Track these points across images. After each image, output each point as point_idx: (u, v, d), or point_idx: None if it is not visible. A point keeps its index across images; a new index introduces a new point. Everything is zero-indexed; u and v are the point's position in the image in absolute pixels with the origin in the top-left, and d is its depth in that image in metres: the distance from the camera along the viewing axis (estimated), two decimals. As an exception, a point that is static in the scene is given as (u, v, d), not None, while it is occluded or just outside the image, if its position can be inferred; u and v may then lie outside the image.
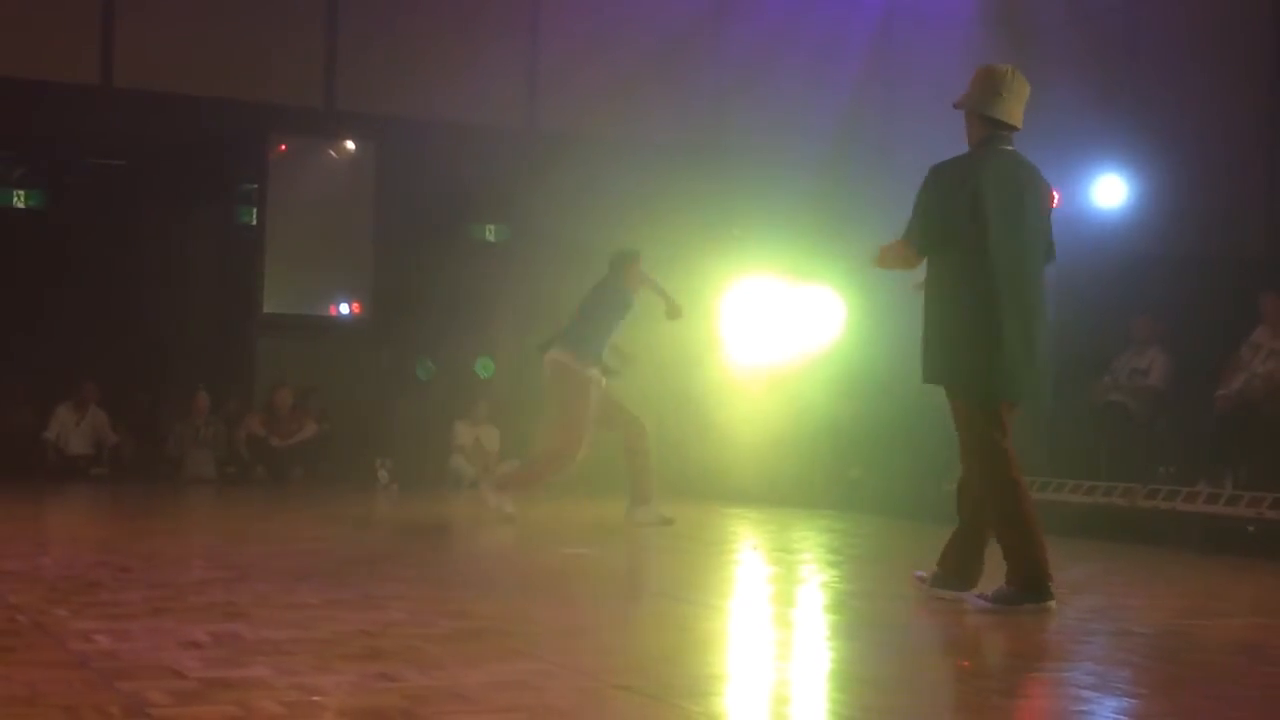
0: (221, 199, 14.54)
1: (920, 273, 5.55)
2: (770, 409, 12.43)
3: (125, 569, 5.96)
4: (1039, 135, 11.17)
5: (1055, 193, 10.75)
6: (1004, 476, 5.35)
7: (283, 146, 14.21)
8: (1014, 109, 5.44)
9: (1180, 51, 11.27)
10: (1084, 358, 10.54)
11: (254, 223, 14.27)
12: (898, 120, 13.10)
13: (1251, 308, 9.33)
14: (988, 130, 5.45)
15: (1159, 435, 9.82)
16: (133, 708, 3.20)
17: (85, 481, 12.78)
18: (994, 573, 5.61)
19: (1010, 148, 5.49)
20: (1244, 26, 10.99)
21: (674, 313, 9.42)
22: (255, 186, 14.22)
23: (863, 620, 5.30)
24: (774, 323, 12.84)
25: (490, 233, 14.87)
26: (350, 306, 14.42)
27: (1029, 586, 5.28)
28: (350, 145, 14.37)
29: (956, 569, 5.56)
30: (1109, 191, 10.63)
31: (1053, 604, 5.30)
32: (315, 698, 3.38)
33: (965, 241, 5.31)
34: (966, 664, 4.59)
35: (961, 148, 5.53)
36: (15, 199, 13.80)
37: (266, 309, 14.06)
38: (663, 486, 13.12)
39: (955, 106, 5.53)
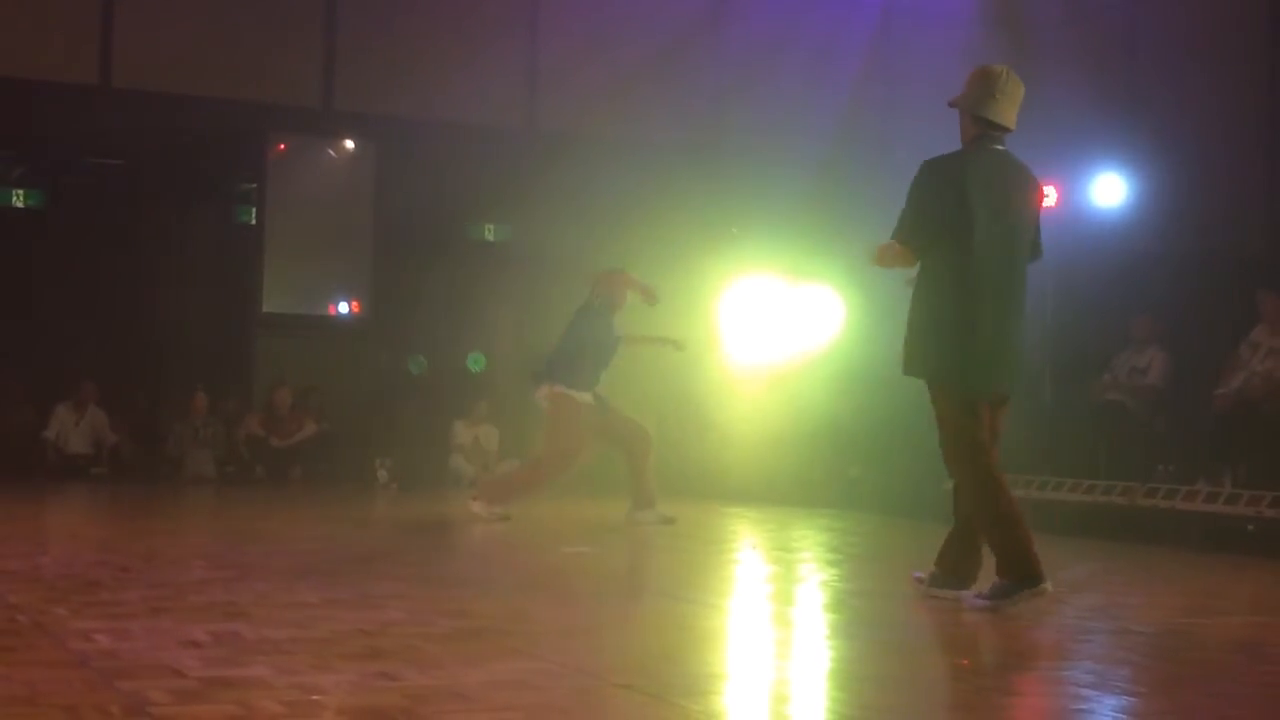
0: (220, 199, 14.53)
1: (912, 269, 5.57)
2: (769, 408, 12.43)
3: (125, 568, 5.96)
4: (1038, 134, 11.16)
5: (1048, 192, 10.81)
6: (981, 470, 5.38)
7: (282, 146, 14.22)
8: (1007, 110, 5.50)
9: (1179, 51, 11.26)
10: (1084, 357, 10.55)
11: (253, 222, 14.27)
12: (897, 119, 13.09)
13: (1251, 307, 9.33)
14: (980, 130, 5.51)
15: (1158, 434, 9.82)
16: (133, 707, 3.20)
17: (85, 481, 12.78)
18: (991, 567, 5.61)
19: (1002, 147, 5.54)
20: (1244, 26, 10.99)
21: (649, 298, 9.36)
22: (254, 186, 14.22)
23: (862, 619, 5.31)
24: (773, 322, 12.85)
25: (489, 232, 14.87)
26: (349, 306, 14.43)
27: (1021, 575, 5.28)
28: (349, 145, 14.38)
29: (954, 568, 5.57)
30: (1108, 190, 10.62)
31: (1048, 586, 5.30)
32: (315, 697, 3.38)
33: (952, 237, 5.37)
34: (966, 662, 4.59)
35: (954, 145, 5.58)
36: (14, 199, 13.80)
37: (266, 308, 14.07)
38: (663, 486, 13.11)
39: (950, 105, 5.59)
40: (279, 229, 14.06)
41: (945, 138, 5.74)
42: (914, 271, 5.55)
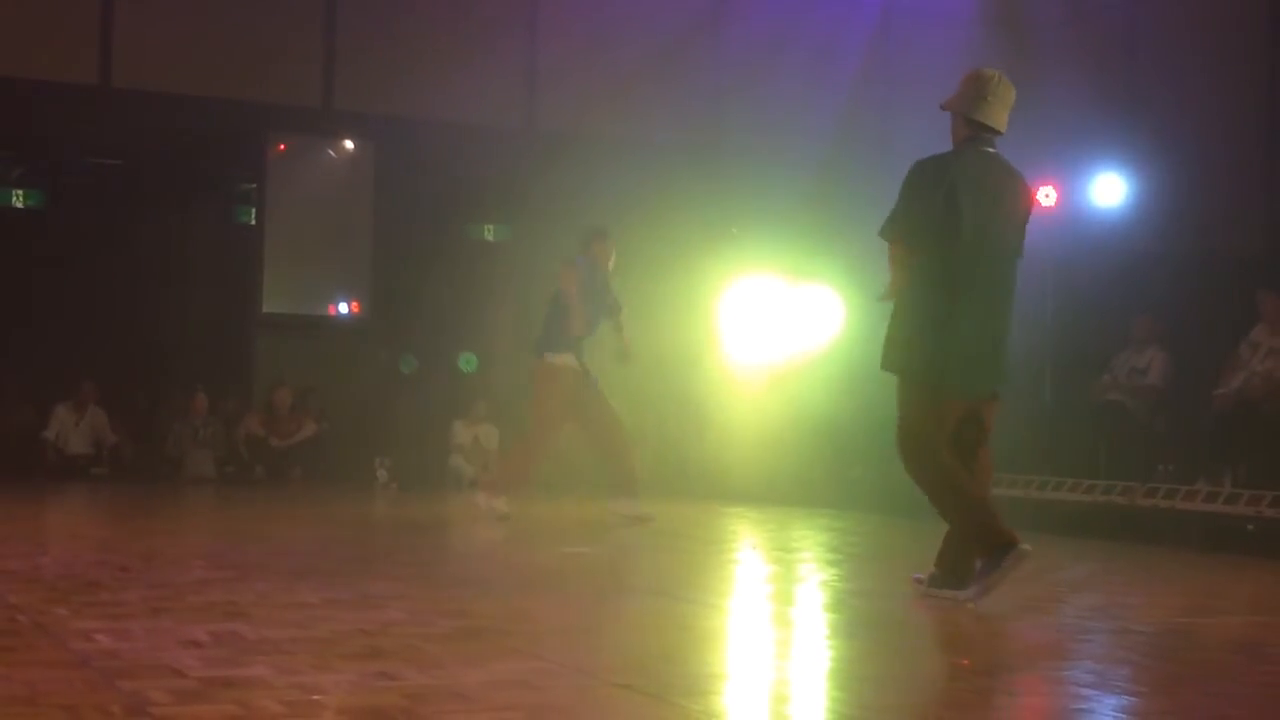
0: (220, 198, 14.54)
1: (882, 286, 5.61)
2: (769, 408, 12.43)
3: (125, 568, 5.96)
4: (1038, 134, 11.18)
5: (1048, 192, 10.80)
6: (932, 465, 5.42)
7: (281, 146, 14.22)
8: (998, 113, 5.56)
9: (1180, 50, 11.26)
10: (1084, 357, 10.55)
11: (253, 222, 14.27)
12: (896, 119, 13.08)
13: (1251, 307, 9.33)
14: (972, 132, 5.57)
15: (1158, 434, 9.83)
16: (133, 707, 3.20)
17: (85, 481, 12.78)
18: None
19: (992, 150, 5.59)
20: (1244, 26, 10.99)
21: (622, 357, 9.29)
22: (254, 186, 14.22)
23: (862, 618, 5.31)
24: (773, 322, 12.85)
25: (489, 232, 14.87)
26: (349, 306, 14.42)
27: (998, 546, 5.33)
28: (349, 144, 14.37)
29: (953, 569, 5.58)
30: (1108, 190, 10.62)
31: (1026, 547, 5.32)
32: (315, 697, 3.38)
33: (938, 235, 5.40)
34: (966, 662, 4.59)
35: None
36: (14, 199, 13.80)
37: (265, 308, 14.06)
38: (663, 486, 13.16)
39: (942, 108, 5.66)
40: (279, 229, 14.06)
41: (945, 138, 5.78)
42: (885, 288, 5.59)
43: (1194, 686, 4.10)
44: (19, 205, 13.80)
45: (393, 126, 14.04)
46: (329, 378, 14.02)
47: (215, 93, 13.36)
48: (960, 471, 5.45)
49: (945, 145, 5.67)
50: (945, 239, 5.39)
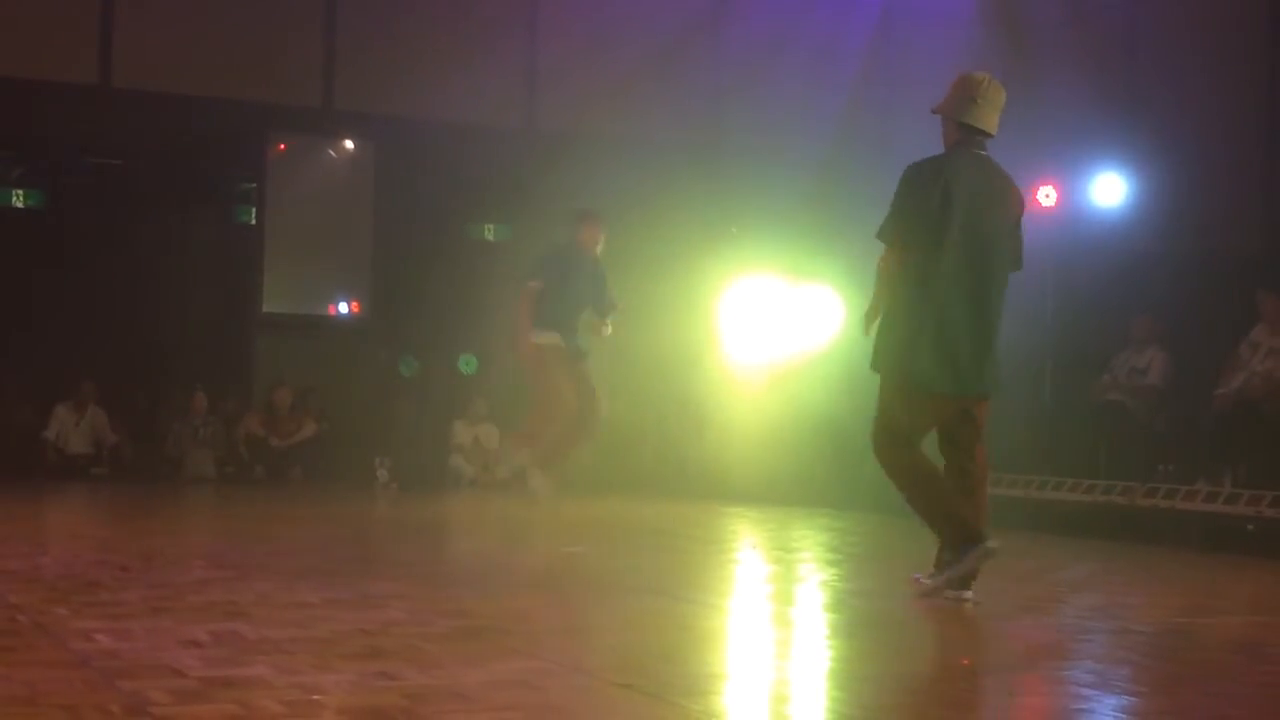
0: (220, 198, 14.52)
1: (868, 310, 5.63)
2: (769, 408, 12.43)
3: (125, 568, 5.96)
4: (1038, 134, 11.18)
5: (1048, 192, 10.79)
6: (905, 463, 5.49)
7: (281, 146, 14.22)
8: (989, 116, 5.60)
9: (1180, 50, 11.25)
10: (1084, 357, 10.55)
11: (253, 222, 14.26)
12: (896, 119, 13.07)
13: (1251, 307, 9.33)
14: (963, 135, 5.61)
15: (1158, 434, 9.82)
16: (134, 707, 3.20)
17: (85, 481, 12.77)
18: (991, 566, 5.62)
19: (984, 153, 5.63)
20: (1244, 26, 10.98)
21: (598, 326, 9.28)
22: (254, 186, 14.22)
23: (862, 618, 5.31)
24: (773, 321, 12.84)
25: (489, 232, 14.87)
26: (349, 306, 14.42)
27: (963, 542, 5.40)
28: (349, 144, 14.37)
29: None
30: (1108, 190, 10.62)
31: (993, 544, 5.40)
32: (315, 696, 3.38)
33: (931, 235, 5.43)
34: (966, 662, 4.59)
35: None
36: (14, 199, 13.79)
37: (265, 308, 14.06)
38: (663, 486, 13.16)
39: (933, 112, 5.70)
40: (279, 229, 14.06)
41: (940, 136, 5.79)
42: (867, 314, 5.62)
43: (1194, 686, 4.10)
44: (19, 205, 13.79)
45: (393, 126, 14.04)
46: (329, 378, 14.01)
47: (215, 93, 13.36)
48: (931, 467, 5.52)
49: (943, 144, 5.70)
50: (937, 239, 5.42)
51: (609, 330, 9.25)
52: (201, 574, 5.86)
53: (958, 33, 11.92)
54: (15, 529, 8.26)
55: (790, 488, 11.73)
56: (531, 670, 3.87)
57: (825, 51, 13.56)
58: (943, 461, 5.67)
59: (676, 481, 13.24)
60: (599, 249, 9.40)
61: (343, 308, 14.40)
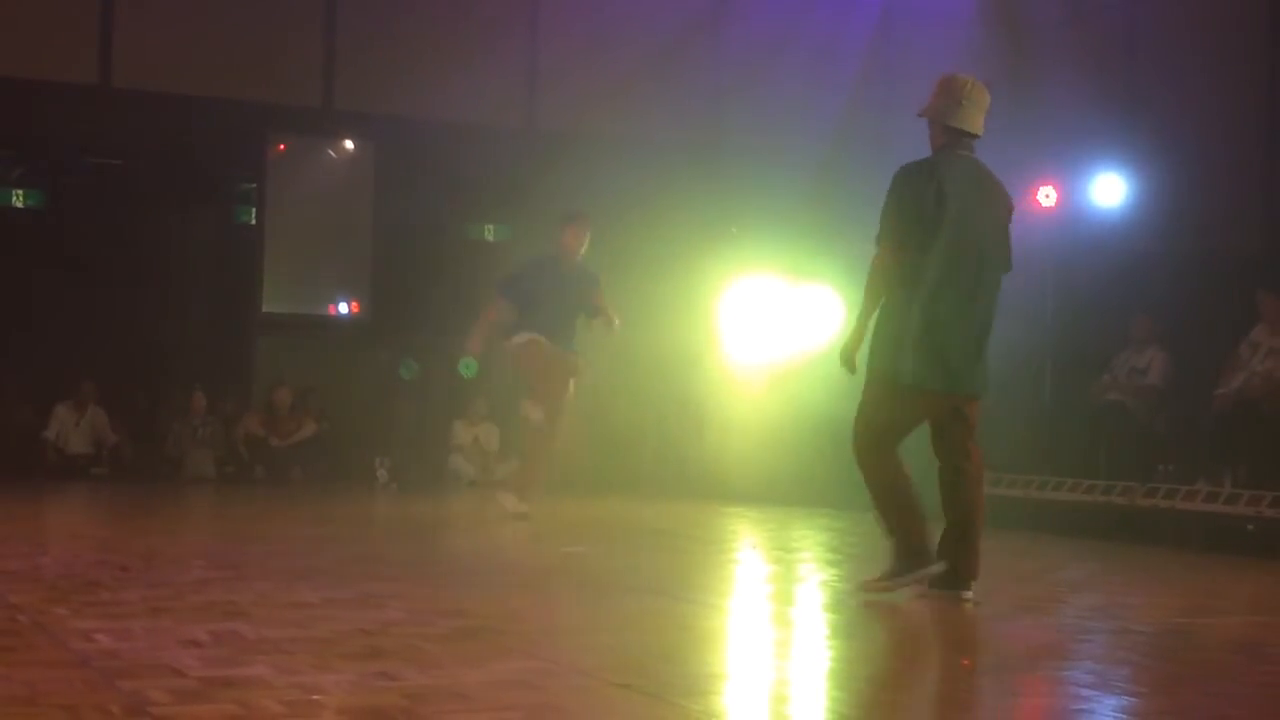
0: (220, 198, 14.52)
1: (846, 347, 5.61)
2: (769, 408, 12.43)
3: (125, 568, 5.96)
4: (1038, 134, 11.18)
5: (1048, 192, 10.77)
6: (881, 462, 5.55)
7: (281, 146, 14.22)
8: (974, 117, 5.62)
9: (1180, 50, 11.25)
10: (1083, 357, 10.55)
11: (253, 222, 14.27)
12: (896, 119, 13.04)
13: (1250, 307, 9.33)
14: (950, 138, 5.63)
15: (1158, 434, 9.82)
16: (133, 706, 3.20)
17: (85, 481, 12.78)
18: (991, 566, 5.62)
19: (971, 155, 5.65)
20: (1244, 26, 10.98)
21: (605, 323, 9.21)
22: (254, 186, 14.22)
23: (861, 619, 5.31)
24: (773, 321, 12.84)
25: (489, 232, 14.87)
26: (349, 306, 14.42)
27: (913, 556, 5.48)
28: (349, 144, 14.37)
29: (952, 568, 5.58)
30: (1108, 190, 10.62)
31: (939, 568, 5.45)
32: (315, 696, 3.38)
33: (924, 235, 5.45)
34: (966, 662, 4.59)
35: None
36: (14, 198, 13.79)
37: (265, 308, 14.06)
38: (663, 486, 13.17)
39: (919, 115, 5.72)
40: (279, 229, 14.06)
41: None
42: (845, 347, 5.60)
43: (1194, 686, 4.10)
44: (19, 205, 13.79)
45: (393, 126, 14.04)
46: (329, 378, 14.01)
47: (215, 93, 13.36)
48: (906, 479, 5.57)
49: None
50: (929, 240, 5.44)
51: (619, 323, 9.19)
52: (201, 574, 5.86)
53: (957, 33, 11.92)
54: (15, 529, 8.26)
55: (790, 488, 11.73)
56: (531, 670, 3.87)
57: (825, 51, 13.55)
58: (936, 462, 5.68)
59: (676, 481, 13.24)
60: (583, 251, 9.35)
61: (343, 308, 14.40)
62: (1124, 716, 3.63)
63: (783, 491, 11.68)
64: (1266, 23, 10.89)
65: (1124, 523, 8.97)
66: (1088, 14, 11.72)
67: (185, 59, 13.23)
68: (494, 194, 14.26)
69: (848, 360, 5.57)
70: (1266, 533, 8.13)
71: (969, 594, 5.48)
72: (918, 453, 5.74)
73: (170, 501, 11.14)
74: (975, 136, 5.63)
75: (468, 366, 9.46)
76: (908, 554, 5.50)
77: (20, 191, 13.82)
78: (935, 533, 5.56)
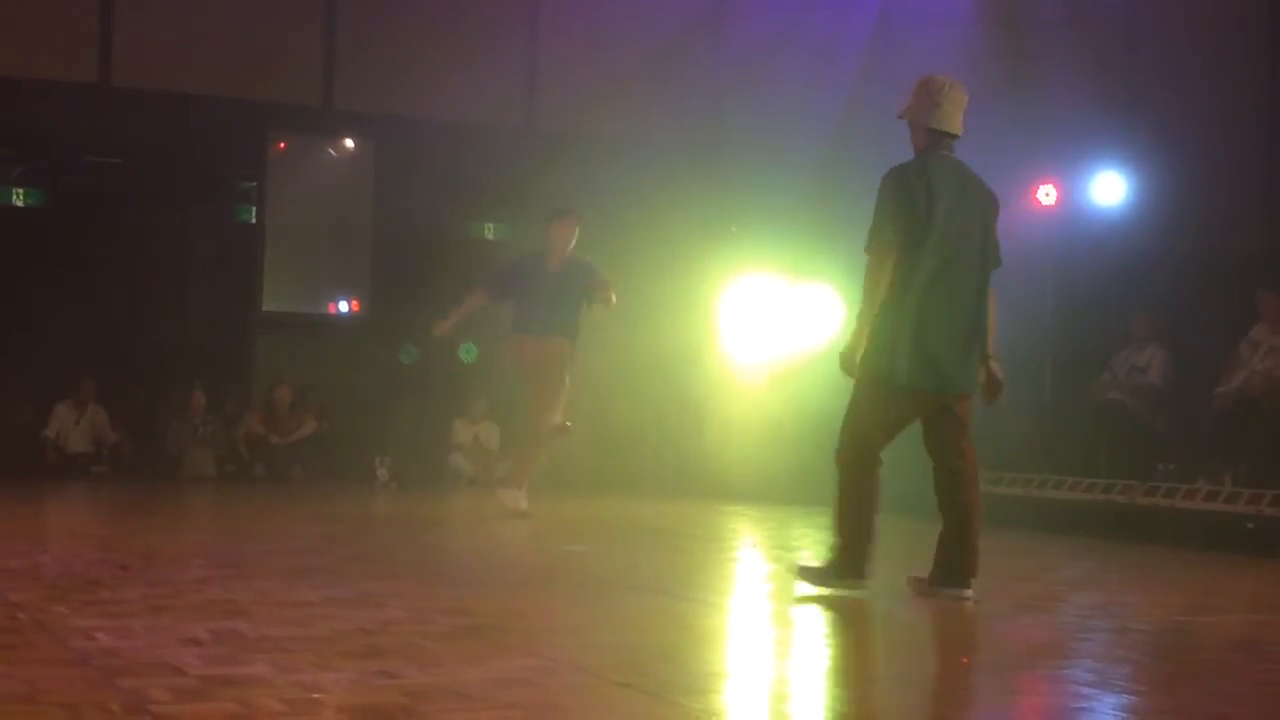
0: (220, 197, 14.52)
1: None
2: (769, 407, 12.43)
3: (125, 567, 5.96)
4: (1038, 134, 11.17)
5: (1048, 191, 10.76)
6: (858, 463, 5.62)
7: (282, 145, 14.22)
8: (954, 118, 5.67)
9: (1180, 50, 11.26)
10: (1083, 355, 10.55)
11: (253, 221, 14.27)
12: (895, 119, 13.06)
13: (1251, 306, 9.34)
14: (931, 140, 5.66)
15: (1158, 432, 9.83)
16: (133, 705, 3.20)
17: (85, 479, 12.78)
18: (991, 565, 5.62)
19: (953, 155, 5.68)
20: (1244, 26, 10.98)
21: (602, 297, 9.17)
22: (254, 184, 14.22)
23: (861, 617, 5.31)
24: (773, 320, 12.84)
25: (489, 231, 14.87)
26: (349, 304, 14.42)
27: (849, 568, 5.55)
28: (349, 143, 14.37)
29: (950, 567, 5.59)
30: (1108, 189, 10.62)
31: (865, 587, 5.52)
32: (315, 695, 3.38)
33: (915, 236, 5.47)
34: (966, 661, 4.59)
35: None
36: (14, 197, 13.79)
37: (265, 307, 14.06)
38: (662, 484, 13.16)
39: (899, 117, 5.77)
40: (279, 228, 14.06)
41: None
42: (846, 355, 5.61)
43: (1193, 685, 4.11)
44: (19, 204, 13.79)
45: (393, 125, 14.04)
46: (329, 376, 14.01)
47: (215, 92, 13.36)
48: (874, 495, 5.65)
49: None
50: (920, 240, 5.46)
51: (614, 299, 9.17)
52: (201, 572, 5.86)
53: (957, 33, 11.91)
54: (15, 527, 8.27)
55: (790, 487, 11.72)
56: (531, 668, 3.87)
57: (825, 51, 13.55)
58: (931, 463, 5.69)
59: (676, 480, 13.25)
60: (571, 247, 9.35)
61: (343, 307, 14.40)
62: (1123, 715, 3.64)
63: (783, 490, 11.68)
64: (1266, 23, 10.89)
65: (1124, 521, 8.97)
66: (1088, 14, 11.72)
67: (185, 58, 13.23)
68: (494, 194, 14.26)
69: (848, 365, 5.57)
70: (1266, 531, 8.13)
71: (969, 592, 5.48)
72: (912, 453, 5.75)
73: (170, 500, 11.14)
74: (955, 137, 5.66)
75: (468, 352, 9.49)
76: (845, 567, 5.56)
77: (20, 191, 13.82)
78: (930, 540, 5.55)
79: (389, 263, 14.16)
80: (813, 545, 8.34)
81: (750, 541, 8.80)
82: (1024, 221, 10.39)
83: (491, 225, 14.84)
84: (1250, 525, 8.23)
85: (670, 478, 13.38)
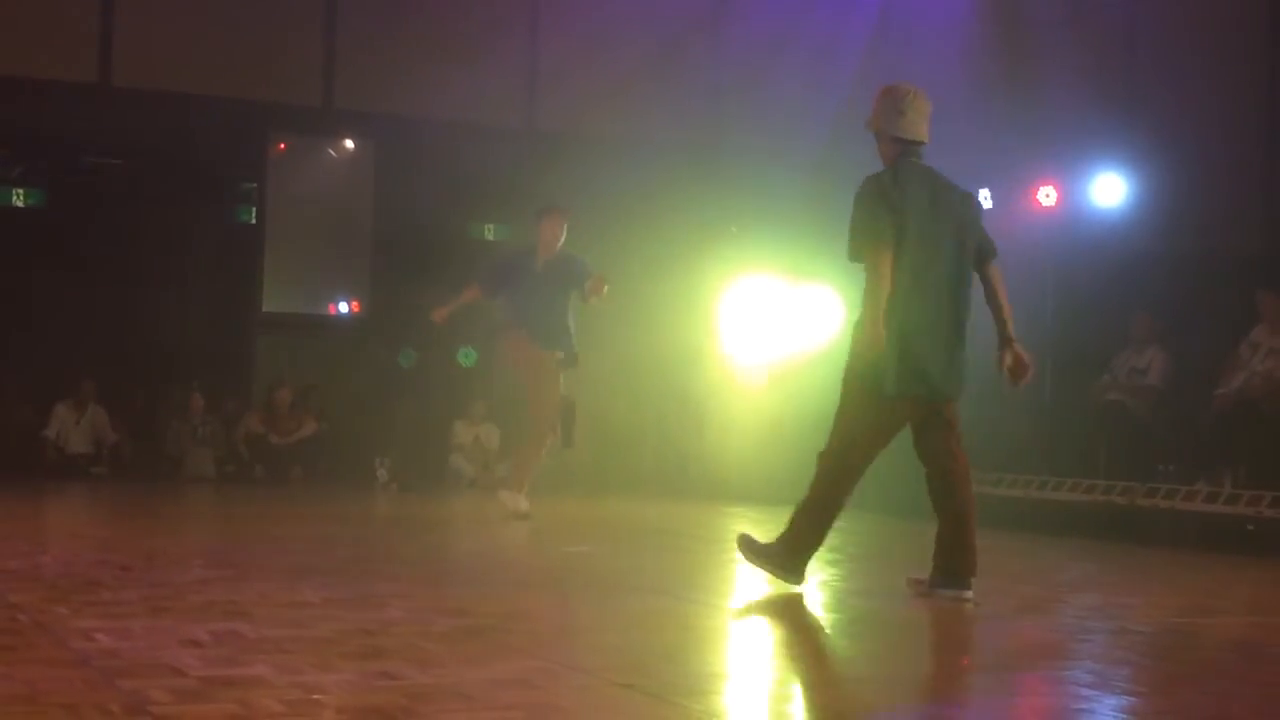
0: (220, 198, 14.52)
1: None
2: (769, 407, 12.43)
3: (125, 567, 5.96)
4: (1038, 134, 11.16)
5: (1048, 192, 10.75)
6: (840, 467, 5.65)
7: (282, 145, 14.22)
8: (919, 125, 5.68)
9: (1180, 50, 11.26)
10: (1083, 356, 10.55)
11: (253, 221, 14.27)
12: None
13: (1250, 307, 9.34)
14: (899, 149, 5.68)
15: (1158, 434, 9.83)
16: (134, 706, 3.20)
17: (85, 480, 12.78)
18: (990, 566, 5.62)
19: (923, 163, 5.69)
20: (1244, 26, 10.99)
21: (594, 288, 9.12)
22: (254, 185, 14.22)
23: (862, 618, 5.31)
24: (773, 321, 12.84)
25: (489, 232, 14.87)
26: (349, 305, 14.42)
27: (790, 564, 5.68)
28: (349, 144, 14.38)
29: (949, 567, 5.59)
30: (1108, 190, 10.62)
31: (803, 586, 5.64)
32: (316, 696, 3.38)
33: (896, 242, 5.47)
34: (966, 662, 4.59)
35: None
36: (14, 197, 13.78)
37: (265, 308, 14.07)
38: (663, 485, 13.16)
39: (865, 128, 5.81)
40: (279, 228, 14.07)
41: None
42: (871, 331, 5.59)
43: (1193, 686, 4.11)
44: (19, 204, 13.79)
45: (393, 126, 14.04)
46: (329, 377, 14.02)
47: (215, 92, 13.36)
48: (842, 504, 5.72)
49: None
50: (899, 246, 5.46)
51: (606, 289, 9.15)
52: (201, 573, 5.86)
53: (957, 33, 11.92)
54: (15, 528, 8.26)
55: (790, 487, 11.68)
56: (533, 670, 3.87)
57: (824, 51, 13.55)
58: (923, 469, 5.70)
59: (677, 481, 13.24)
60: (561, 242, 9.35)
61: (343, 307, 14.41)
62: (1123, 716, 3.64)
63: (783, 491, 11.66)
64: (1266, 23, 10.89)
65: (1123, 523, 8.97)
66: (1088, 14, 11.73)
67: (185, 58, 13.23)
68: (494, 194, 14.26)
69: (876, 337, 5.50)
70: (1266, 532, 8.13)
71: (968, 593, 5.48)
72: (906, 455, 5.76)
73: (170, 501, 11.14)
74: (923, 144, 5.68)
75: (467, 355, 9.51)
76: (785, 559, 5.68)
77: (20, 191, 13.81)
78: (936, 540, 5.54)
79: (389, 263, 14.16)
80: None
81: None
82: (1024, 222, 10.39)
83: (491, 226, 14.84)
84: (1250, 527, 8.23)
85: (671, 478, 13.39)
